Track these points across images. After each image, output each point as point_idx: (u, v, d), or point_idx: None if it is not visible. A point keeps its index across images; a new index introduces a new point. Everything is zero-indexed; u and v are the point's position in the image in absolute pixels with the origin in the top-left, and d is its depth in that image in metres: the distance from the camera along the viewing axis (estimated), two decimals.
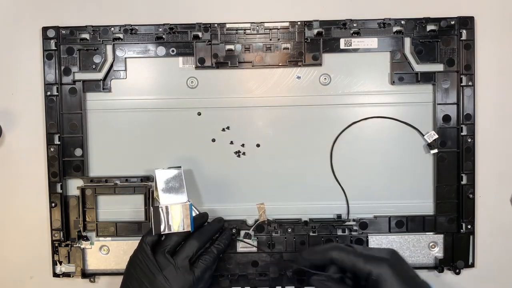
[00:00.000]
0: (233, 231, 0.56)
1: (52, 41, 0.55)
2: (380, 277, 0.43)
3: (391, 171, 0.56)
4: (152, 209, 0.50)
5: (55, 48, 0.55)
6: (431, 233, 0.57)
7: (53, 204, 0.56)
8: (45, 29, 0.55)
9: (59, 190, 0.56)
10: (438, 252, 0.57)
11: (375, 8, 0.56)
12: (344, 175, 0.56)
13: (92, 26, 0.55)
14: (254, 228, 0.57)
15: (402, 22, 0.55)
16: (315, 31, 0.55)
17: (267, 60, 0.56)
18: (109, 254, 0.57)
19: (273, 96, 0.56)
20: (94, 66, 0.56)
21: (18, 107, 0.57)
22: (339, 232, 0.56)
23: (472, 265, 0.57)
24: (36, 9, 0.56)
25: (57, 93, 0.55)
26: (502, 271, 0.57)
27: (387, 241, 0.57)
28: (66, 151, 0.56)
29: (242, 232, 0.56)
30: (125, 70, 0.56)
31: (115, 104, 0.56)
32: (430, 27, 0.55)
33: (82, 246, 0.57)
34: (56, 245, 0.56)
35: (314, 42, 0.55)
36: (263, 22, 0.55)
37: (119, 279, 0.50)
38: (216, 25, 0.55)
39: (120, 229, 0.56)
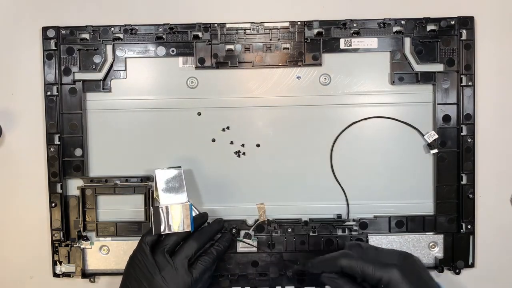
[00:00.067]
0: (233, 231, 0.56)
1: (52, 41, 0.55)
2: (390, 283, 0.43)
3: (391, 171, 0.56)
4: (152, 209, 0.50)
5: (55, 48, 0.55)
6: (431, 233, 0.57)
7: (53, 204, 0.56)
8: (45, 29, 0.55)
9: (59, 190, 0.56)
10: (438, 252, 0.57)
11: (375, 8, 0.56)
12: (344, 175, 0.57)
13: (92, 26, 0.55)
14: (254, 228, 0.57)
15: (402, 22, 0.55)
16: (315, 31, 0.55)
17: (267, 60, 0.56)
18: (109, 254, 0.57)
19: (273, 96, 0.56)
20: (94, 66, 0.56)
21: (18, 107, 0.57)
22: (339, 232, 0.56)
23: (472, 265, 0.57)
24: (36, 9, 0.57)
25: (57, 93, 0.55)
26: (502, 271, 0.57)
27: (387, 241, 0.57)
28: (66, 151, 0.56)
29: (242, 232, 0.56)
30: (125, 70, 0.56)
31: (115, 104, 0.56)
32: (430, 27, 0.55)
33: (82, 246, 0.57)
34: (56, 245, 0.56)
35: (314, 42, 0.55)
36: (263, 22, 0.55)
37: (119, 279, 0.50)
38: (216, 25, 0.55)
39: (120, 229, 0.56)
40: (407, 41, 0.55)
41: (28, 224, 0.57)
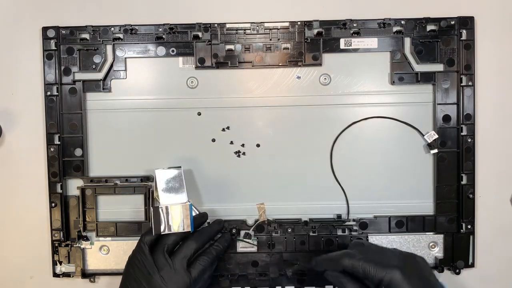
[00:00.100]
0: (233, 231, 0.56)
1: (52, 41, 0.55)
2: (391, 284, 0.43)
3: (391, 171, 0.56)
4: (152, 209, 0.50)
5: (55, 48, 0.55)
6: (431, 233, 0.57)
7: (53, 204, 0.56)
8: (45, 29, 0.55)
9: (59, 190, 0.56)
10: (438, 252, 0.57)
11: (375, 8, 0.56)
12: (344, 175, 0.56)
13: (92, 26, 0.55)
14: (254, 228, 0.57)
15: (402, 22, 0.55)
16: (315, 31, 0.55)
17: (267, 60, 0.56)
18: (109, 254, 0.57)
19: (273, 96, 0.56)
20: (94, 66, 0.56)
21: (18, 107, 0.57)
22: (339, 232, 0.56)
23: (472, 265, 0.57)
24: (36, 9, 0.56)
25: (57, 93, 0.55)
26: (502, 271, 0.57)
27: (387, 241, 0.57)
28: (66, 151, 0.56)
29: (242, 232, 0.56)
30: (125, 70, 0.56)
31: (115, 104, 0.56)
32: (430, 27, 0.55)
33: (82, 246, 0.57)
34: (56, 245, 0.56)
35: (314, 42, 0.55)
36: (263, 22, 0.55)
37: (119, 279, 0.50)
38: (216, 25, 0.55)
39: (120, 229, 0.56)
40: (407, 41, 0.55)
41: (28, 224, 0.57)
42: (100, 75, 0.56)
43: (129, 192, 0.56)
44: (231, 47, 0.55)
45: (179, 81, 0.56)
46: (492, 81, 0.56)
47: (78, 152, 0.56)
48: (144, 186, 0.56)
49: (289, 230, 0.56)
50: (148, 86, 0.56)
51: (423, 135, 0.56)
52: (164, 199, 0.51)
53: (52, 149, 0.56)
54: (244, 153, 0.56)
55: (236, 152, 0.56)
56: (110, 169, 0.57)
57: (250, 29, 0.55)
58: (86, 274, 0.57)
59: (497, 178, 0.57)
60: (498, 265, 0.57)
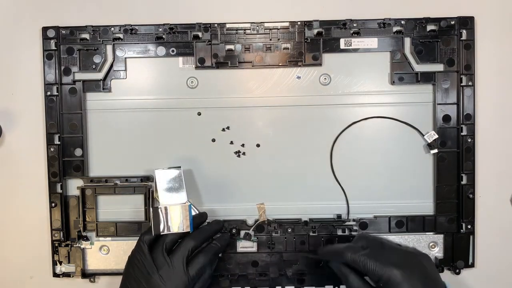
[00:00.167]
0: (233, 231, 0.56)
1: (52, 41, 0.55)
2: (389, 282, 0.43)
3: (391, 171, 0.56)
4: (151, 209, 0.50)
5: (55, 48, 0.55)
6: (431, 233, 0.57)
7: (53, 204, 0.56)
8: (45, 29, 0.55)
9: (59, 190, 0.56)
10: (438, 252, 0.57)
11: (375, 8, 0.56)
12: (344, 175, 0.57)
13: (92, 26, 0.55)
14: (254, 228, 0.57)
15: (402, 22, 0.55)
16: (315, 31, 0.55)
17: (267, 60, 0.56)
18: (109, 254, 0.57)
19: (273, 96, 0.56)
20: (94, 66, 0.56)
21: (18, 107, 0.57)
22: (339, 232, 0.56)
23: (472, 265, 0.57)
24: (36, 9, 0.57)
25: (57, 93, 0.55)
26: (502, 271, 0.57)
27: None
28: (66, 151, 0.56)
29: (242, 232, 0.56)
30: (125, 70, 0.56)
31: (115, 104, 0.56)
32: (430, 27, 0.55)
33: (82, 246, 0.57)
34: (56, 245, 0.56)
35: (314, 42, 0.55)
36: (263, 22, 0.55)
37: (119, 279, 0.50)
38: (216, 25, 0.55)
39: (120, 229, 0.56)
40: (407, 41, 0.55)
41: (28, 224, 0.57)
42: (100, 75, 0.56)
43: (129, 192, 0.56)
44: (231, 47, 0.55)
45: (179, 81, 0.56)
46: (492, 81, 0.56)
47: (78, 152, 0.56)
48: (144, 186, 0.56)
49: (289, 230, 0.56)
50: (148, 86, 0.56)
51: (423, 135, 0.56)
52: (164, 199, 0.51)
53: (52, 149, 0.56)
54: (244, 153, 0.56)
55: (236, 152, 0.56)
56: (110, 169, 0.57)
57: (250, 29, 0.55)
58: (86, 274, 0.57)
59: (497, 178, 0.57)
60: (498, 265, 0.57)
